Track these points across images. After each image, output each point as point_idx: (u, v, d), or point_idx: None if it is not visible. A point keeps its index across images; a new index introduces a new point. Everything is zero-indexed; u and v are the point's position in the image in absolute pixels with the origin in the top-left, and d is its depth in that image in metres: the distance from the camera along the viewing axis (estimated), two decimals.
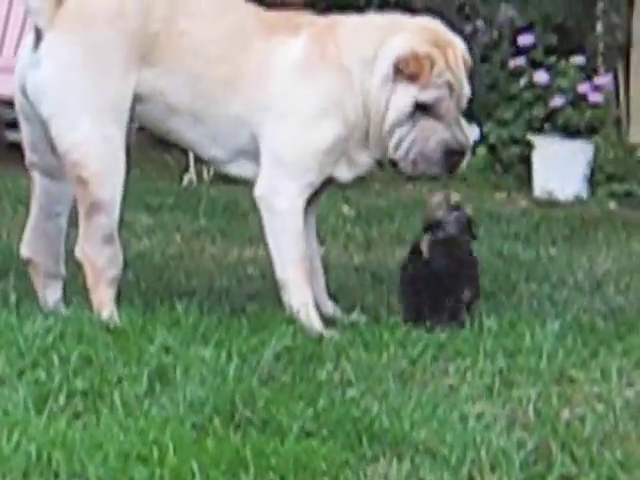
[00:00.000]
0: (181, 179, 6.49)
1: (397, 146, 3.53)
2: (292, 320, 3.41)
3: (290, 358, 3.10)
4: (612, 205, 6.24)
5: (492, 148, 6.83)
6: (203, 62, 3.48)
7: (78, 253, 3.43)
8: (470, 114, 6.85)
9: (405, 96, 3.48)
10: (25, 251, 3.57)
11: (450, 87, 3.52)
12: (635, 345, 3.39)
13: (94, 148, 3.36)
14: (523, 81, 6.77)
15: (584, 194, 6.42)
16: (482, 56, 6.93)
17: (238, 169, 3.67)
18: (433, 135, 3.51)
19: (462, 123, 3.65)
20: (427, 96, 3.48)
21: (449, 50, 3.56)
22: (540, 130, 6.65)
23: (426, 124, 3.50)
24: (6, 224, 4.97)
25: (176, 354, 3.04)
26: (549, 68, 6.74)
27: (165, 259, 4.53)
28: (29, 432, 2.39)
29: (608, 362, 3.22)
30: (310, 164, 3.51)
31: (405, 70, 3.44)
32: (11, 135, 6.56)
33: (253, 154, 3.56)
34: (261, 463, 2.29)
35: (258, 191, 3.54)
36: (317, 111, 3.53)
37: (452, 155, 3.55)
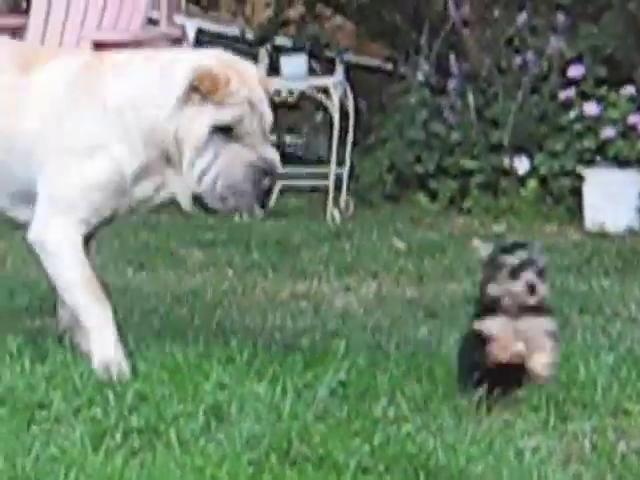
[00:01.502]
0: (233, 215, 6.53)
1: (200, 179, 3.20)
2: (346, 355, 3.41)
3: (345, 393, 3.09)
4: None
5: (543, 180, 6.80)
6: None
7: None
8: (520, 146, 6.88)
9: (201, 119, 3.17)
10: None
11: (250, 104, 3.21)
12: None
13: None
14: (573, 113, 6.73)
15: (636, 226, 6.36)
16: (532, 88, 6.92)
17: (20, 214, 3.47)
18: (239, 160, 3.19)
19: (269, 146, 3.33)
20: (226, 115, 3.16)
21: (243, 70, 3.31)
22: (591, 162, 6.63)
23: (229, 150, 3.18)
24: None
25: (231, 390, 3.05)
26: (599, 99, 6.71)
27: (218, 295, 4.55)
28: (86, 470, 2.43)
29: None
30: (79, 200, 3.25)
31: (200, 87, 3.14)
32: None
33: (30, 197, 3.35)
34: None
35: (30, 235, 3.33)
36: (81, 150, 3.27)
37: (261, 177, 3.21)
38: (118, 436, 2.69)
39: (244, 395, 3.02)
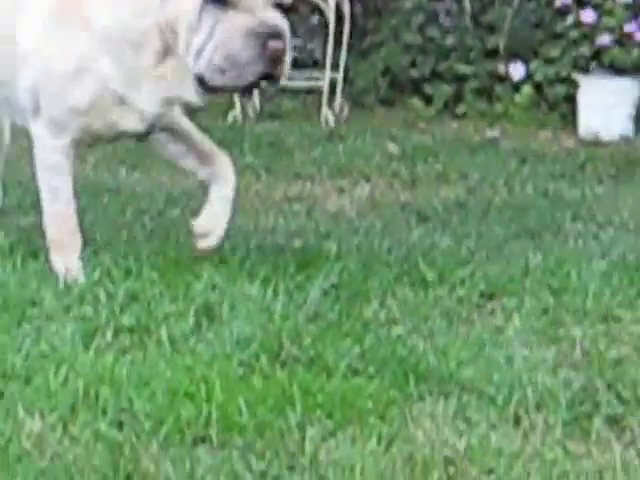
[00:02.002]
0: (226, 116, 6.47)
1: (198, 56, 2.95)
2: (338, 257, 3.41)
3: (336, 295, 3.09)
4: None
5: (537, 86, 6.75)
6: None
7: None
8: (515, 52, 6.80)
9: None
10: None
11: None
12: None
13: None
14: (569, 19, 6.65)
15: (630, 133, 6.33)
16: None
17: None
18: (237, 28, 2.90)
19: (271, 9, 2.97)
20: None
21: None
22: (586, 69, 6.57)
23: (226, 19, 2.91)
24: None
25: (222, 291, 3.06)
26: (595, 7, 6.62)
27: None
28: (76, 368, 2.44)
29: None
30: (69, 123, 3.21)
31: None
32: None
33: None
34: (307, 400, 2.31)
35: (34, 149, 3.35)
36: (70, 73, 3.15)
37: (265, 42, 2.89)
38: (109, 334, 2.70)
39: (235, 296, 3.02)
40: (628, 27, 6.48)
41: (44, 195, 3.28)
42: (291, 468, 2.05)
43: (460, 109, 6.83)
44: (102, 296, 2.95)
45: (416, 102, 6.94)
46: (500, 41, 6.83)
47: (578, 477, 2.04)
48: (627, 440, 2.26)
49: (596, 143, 6.11)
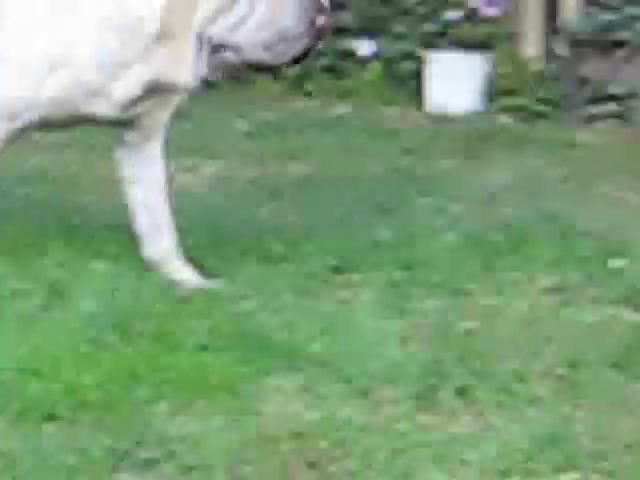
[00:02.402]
0: None
1: (234, 29, 2.89)
2: (187, 233, 3.35)
3: None
4: (505, 119, 6.27)
5: (386, 63, 6.78)
6: None
7: None
8: (363, 28, 6.81)
9: None
10: None
11: None
12: (528, 258, 3.42)
13: None
14: None
15: (478, 108, 6.42)
16: None
17: None
18: (286, 4, 2.90)
19: None
20: None
21: None
22: (434, 45, 6.63)
23: None
24: None
25: (71, 268, 3.02)
26: None
27: (62, 175, 4.43)
28: None
29: (502, 275, 3.27)
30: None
31: None
32: None
33: None
34: (156, 376, 2.31)
35: None
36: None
37: (315, 16, 2.90)
38: None
39: (84, 273, 2.99)
40: (475, 2, 6.56)
41: None
42: (140, 443, 2.03)
43: (309, 86, 6.80)
44: None
45: (265, 80, 6.90)
46: (348, 18, 6.83)
47: (427, 448, 2.05)
48: (475, 411, 2.29)
49: (444, 119, 6.18)
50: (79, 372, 2.27)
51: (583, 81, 6.41)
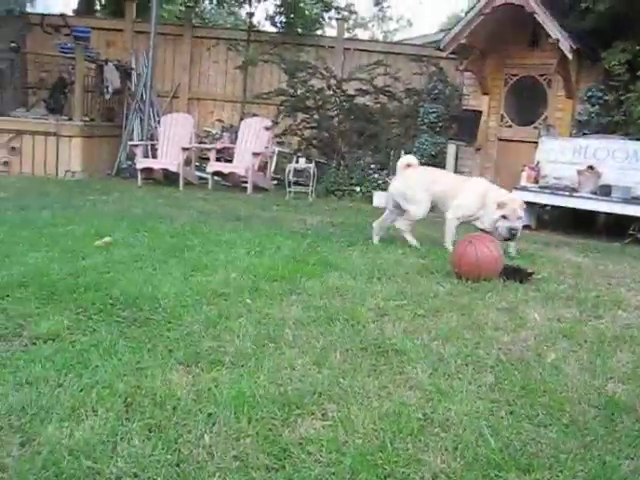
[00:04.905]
0: None
1: (495, 227, 8.76)
2: None
3: None
4: None
5: None
6: None
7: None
8: None
9: (498, 212, 8.76)
10: None
11: (513, 209, 8.66)
12: None
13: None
14: None
15: None
16: None
17: None
18: (507, 225, 8.68)
19: (517, 222, 8.68)
20: (506, 211, 8.70)
21: (513, 199, 8.98)
22: None
23: (504, 222, 8.67)
24: None
25: None
26: None
27: None
28: None
29: None
30: None
31: (500, 203, 8.74)
32: None
33: None
34: None
35: None
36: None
37: (513, 234, 8.73)
38: None
39: None
40: None
41: None
42: None
43: None
44: None
45: None
46: None
47: None
48: None
49: None
50: None
51: None
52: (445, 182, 9.36)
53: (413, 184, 9.24)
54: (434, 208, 9.39)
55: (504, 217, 8.62)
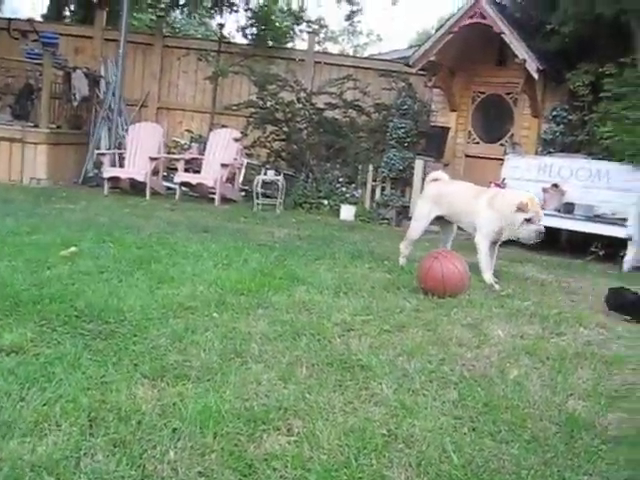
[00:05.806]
0: None
1: (520, 233, 8.39)
2: None
3: None
4: None
5: None
6: None
7: None
8: None
9: (521, 216, 8.28)
10: None
11: (536, 212, 8.32)
12: None
13: None
14: None
15: None
16: None
17: None
18: (532, 229, 8.30)
19: (539, 225, 8.37)
20: (529, 215, 8.27)
21: (533, 199, 8.50)
22: None
23: (529, 225, 8.28)
24: None
25: None
26: None
27: None
28: None
29: None
30: None
31: (522, 205, 8.24)
32: None
33: None
34: None
35: None
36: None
37: (538, 235, 8.34)
38: None
39: None
40: None
41: None
42: None
43: None
44: None
45: None
46: None
47: None
48: None
49: None
50: None
51: None
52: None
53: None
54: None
55: (528, 220, 8.13)
